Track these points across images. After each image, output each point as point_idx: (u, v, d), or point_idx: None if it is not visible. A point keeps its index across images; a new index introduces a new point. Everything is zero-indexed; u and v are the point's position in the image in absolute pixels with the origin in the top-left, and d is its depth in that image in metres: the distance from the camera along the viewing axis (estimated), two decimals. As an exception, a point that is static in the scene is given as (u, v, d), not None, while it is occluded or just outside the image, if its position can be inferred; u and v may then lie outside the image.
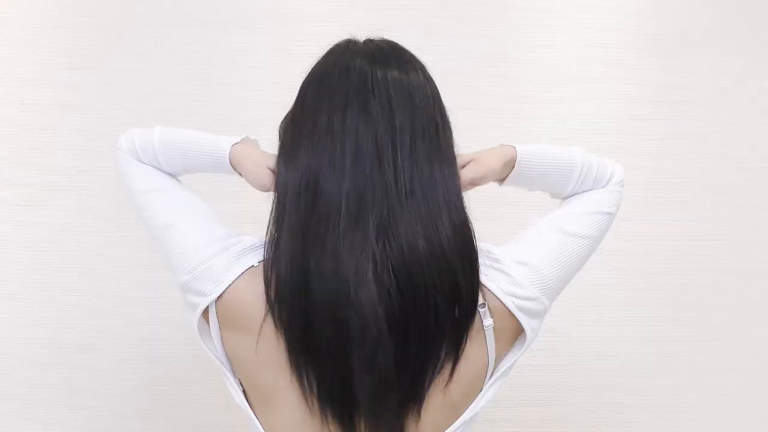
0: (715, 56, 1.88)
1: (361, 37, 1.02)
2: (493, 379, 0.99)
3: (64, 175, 1.79)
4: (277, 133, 1.02)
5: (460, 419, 0.97)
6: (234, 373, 0.99)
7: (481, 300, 0.94)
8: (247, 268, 0.96)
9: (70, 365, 1.79)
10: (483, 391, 0.99)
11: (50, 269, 1.79)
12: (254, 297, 0.94)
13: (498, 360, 0.98)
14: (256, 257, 0.97)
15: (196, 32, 1.79)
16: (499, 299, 0.95)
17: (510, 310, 0.95)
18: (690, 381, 1.90)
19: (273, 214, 0.96)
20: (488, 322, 0.94)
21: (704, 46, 1.88)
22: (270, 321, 0.92)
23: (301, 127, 0.95)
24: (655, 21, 1.88)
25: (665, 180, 1.88)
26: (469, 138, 1.82)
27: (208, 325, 0.98)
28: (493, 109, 1.85)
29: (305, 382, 0.90)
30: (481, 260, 0.96)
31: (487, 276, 0.96)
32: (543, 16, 1.86)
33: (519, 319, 0.96)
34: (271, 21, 1.81)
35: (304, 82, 0.99)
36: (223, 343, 0.98)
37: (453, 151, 0.99)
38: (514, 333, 0.98)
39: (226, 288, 0.95)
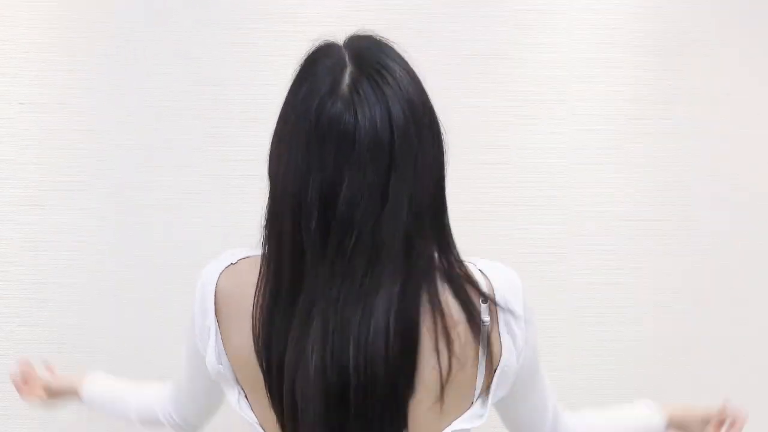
0: (715, 56, 1.88)
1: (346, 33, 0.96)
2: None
3: (64, 175, 1.79)
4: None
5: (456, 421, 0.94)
6: (237, 379, 0.97)
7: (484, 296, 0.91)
8: (223, 269, 0.96)
9: (70, 365, 1.79)
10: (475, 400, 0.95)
11: (50, 269, 1.79)
12: (237, 288, 0.93)
13: (489, 368, 0.93)
14: (230, 259, 0.96)
15: (197, 32, 1.79)
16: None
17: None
18: (690, 381, 1.90)
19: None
20: (486, 318, 0.90)
21: (704, 46, 1.88)
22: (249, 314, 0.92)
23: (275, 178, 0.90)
24: (655, 21, 1.88)
25: (665, 180, 1.88)
26: (470, 138, 1.83)
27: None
28: (494, 109, 1.85)
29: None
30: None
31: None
32: (543, 16, 1.86)
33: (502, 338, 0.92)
34: (270, 21, 1.81)
35: (280, 115, 0.90)
36: (225, 349, 0.96)
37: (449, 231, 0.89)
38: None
39: (214, 296, 0.95)
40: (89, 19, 1.78)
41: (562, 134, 1.86)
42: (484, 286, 0.91)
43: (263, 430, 0.95)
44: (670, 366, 1.90)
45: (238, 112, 1.80)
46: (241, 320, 0.91)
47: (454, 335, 0.87)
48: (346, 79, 0.84)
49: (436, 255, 0.88)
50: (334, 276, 0.83)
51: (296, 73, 0.91)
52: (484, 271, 0.93)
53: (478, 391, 0.94)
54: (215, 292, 0.95)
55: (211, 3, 1.79)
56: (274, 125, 0.89)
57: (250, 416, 0.96)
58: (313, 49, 0.92)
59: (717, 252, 1.90)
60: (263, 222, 0.91)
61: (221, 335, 0.95)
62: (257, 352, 0.88)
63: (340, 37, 0.93)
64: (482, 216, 1.81)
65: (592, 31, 1.86)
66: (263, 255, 0.90)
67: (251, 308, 0.90)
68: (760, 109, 1.91)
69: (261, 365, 0.88)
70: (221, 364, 0.96)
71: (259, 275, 0.90)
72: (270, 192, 0.90)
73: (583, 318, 1.87)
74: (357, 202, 0.82)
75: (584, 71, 1.86)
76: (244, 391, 0.97)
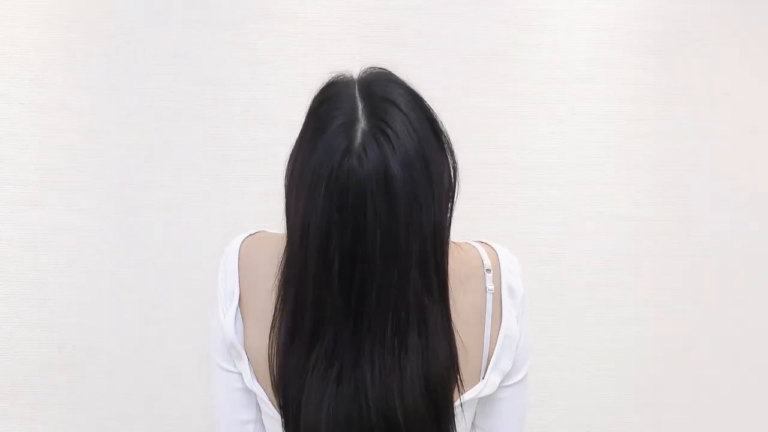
0: (715, 56, 1.89)
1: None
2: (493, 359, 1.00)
3: (64, 175, 1.79)
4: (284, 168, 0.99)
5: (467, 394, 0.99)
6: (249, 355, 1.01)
7: (487, 265, 1.00)
8: (244, 238, 1.02)
9: (70, 365, 1.79)
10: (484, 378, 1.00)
11: (50, 269, 1.79)
12: (255, 253, 1.00)
13: (493, 335, 1.00)
14: (249, 232, 1.03)
15: (197, 32, 1.79)
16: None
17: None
18: (690, 380, 1.90)
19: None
20: (490, 286, 0.99)
21: (704, 46, 1.88)
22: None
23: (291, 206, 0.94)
24: (655, 21, 1.88)
25: (664, 180, 1.88)
26: (470, 138, 1.83)
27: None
28: (494, 109, 1.85)
29: None
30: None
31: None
32: (543, 16, 1.86)
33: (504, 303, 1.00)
34: (270, 21, 1.81)
35: (293, 151, 0.94)
36: (243, 315, 1.00)
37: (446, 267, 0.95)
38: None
39: (238, 260, 1.00)
40: (89, 19, 1.78)
41: (562, 134, 1.86)
42: (487, 255, 1.01)
43: (270, 403, 1.00)
44: (670, 366, 1.90)
45: (238, 112, 1.80)
46: (258, 292, 0.98)
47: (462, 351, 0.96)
48: (358, 138, 0.87)
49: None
50: (359, 331, 0.89)
51: (311, 120, 0.92)
52: (488, 243, 1.03)
53: (484, 361, 1.00)
54: (238, 257, 1.01)
55: (211, 3, 1.80)
56: (289, 169, 0.93)
57: (257, 389, 1.00)
58: (328, 93, 0.93)
59: (717, 252, 1.90)
60: (282, 265, 0.95)
61: (241, 300, 1.00)
62: (274, 385, 0.95)
63: (353, 69, 0.94)
64: (482, 216, 1.81)
65: (592, 31, 1.86)
66: (280, 294, 0.95)
67: (268, 280, 0.96)
68: (760, 109, 1.91)
69: (278, 398, 0.95)
70: (237, 332, 1.00)
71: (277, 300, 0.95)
72: (289, 238, 0.93)
73: (583, 318, 1.87)
74: (374, 262, 0.87)
75: (584, 71, 1.86)
76: (254, 373, 1.01)
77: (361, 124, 0.87)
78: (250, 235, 1.03)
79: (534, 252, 1.84)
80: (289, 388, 0.93)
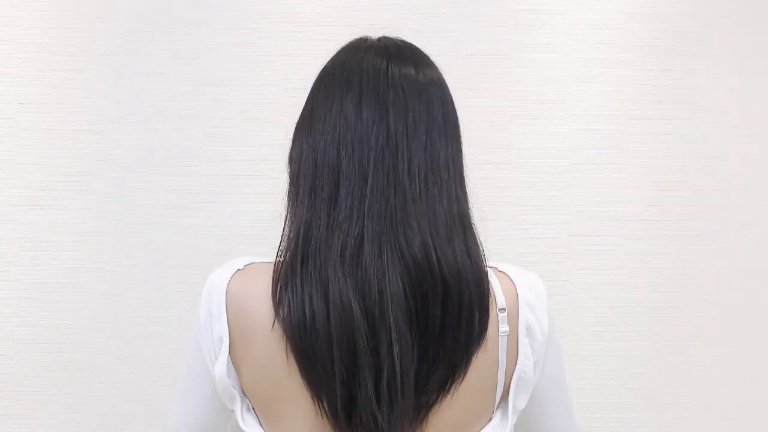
0: (715, 56, 1.88)
1: (374, 35, 1.02)
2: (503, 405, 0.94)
3: (64, 175, 1.79)
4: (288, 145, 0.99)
5: None
6: (243, 392, 0.93)
7: (501, 304, 0.91)
8: (232, 274, 0.92)
9: (70, 365, 1.79)
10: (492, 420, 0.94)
11: (50, 269, 1.78)
12: (248, 297, 0.90)
13: (508, 376, 0.92)
14: (237, 266, 0.93)
15: (197, 32, 1.79)
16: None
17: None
18: (690, 380, 1.90)
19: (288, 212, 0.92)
20: (504, 328, 0.91)
21: (704, 46, 1.88)
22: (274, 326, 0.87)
23: (310, 123, 0.94)
24: (655, 21, 1.88)
25: (664, 180, 1.88)
26: (470, 137, 1.83)
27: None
28: (493, 109, 1.85)
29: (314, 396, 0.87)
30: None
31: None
32: (543, 16, 1.86)
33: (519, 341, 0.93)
34: (270, 21, 1.81)
35: (314, 81, 0.98)
36: (234, 361, 0.91)
37: (462, 160, 1.00)
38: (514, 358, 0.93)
39: (226, 302, 0.90)
40: (89, 19, 1.78)
41: (562, 134, 1.86)
42: (502, 292, 0.92)
43: None
44: (670, 366, 1.90)
45: (238, 112, 1.80)
46: (254, 338, 0.88)
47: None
48: (375, 41, 0.97)
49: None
50: (385, 194, 0.88)
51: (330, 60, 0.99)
52: (507, 273, 0.95)
53: (497, 400, 0.93)
54: (226, 298, 0.90)
55: (211, 3, 1.80)
56: (309, 93, 0.97)
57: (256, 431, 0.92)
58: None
59: (717, 252, 1.90)
60: (291, 180, 0.94)
61: (232, 345, 0.89)
62: (281, 289, 0.87)
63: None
64: (482, 216, 1.81)
65: (592, 31, 1.86)
66: (287, 213, 0.92)
67: (263, 327, 0.87)
68: (761, 108, 1.91)
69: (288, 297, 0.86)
70: (230, 377, 0.91)
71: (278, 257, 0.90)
72: (306, 142, 0.92)
73: (583, 318, 1.87)
74: (406, 133, 0.90)
75: (584, 71, 1.86)
76: (252, 405, 0.93)
77: (377, 39, 0.98)
78: (239, 270, 0.91)
79: (534, 252, 1.84)
80: (310, 277, 0.85)
